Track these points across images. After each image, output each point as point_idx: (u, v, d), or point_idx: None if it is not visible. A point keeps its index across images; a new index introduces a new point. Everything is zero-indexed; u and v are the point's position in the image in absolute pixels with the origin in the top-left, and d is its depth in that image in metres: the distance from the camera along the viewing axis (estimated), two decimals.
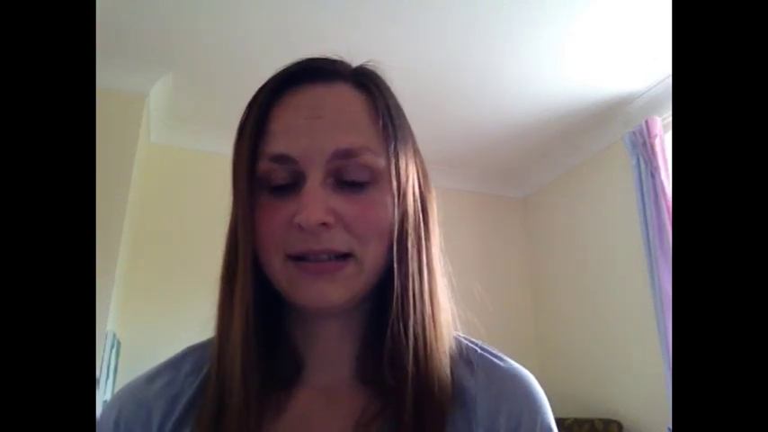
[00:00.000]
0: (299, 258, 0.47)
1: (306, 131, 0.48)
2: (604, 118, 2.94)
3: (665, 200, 2.50)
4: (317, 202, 0.46)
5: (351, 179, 0.49)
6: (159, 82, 2.53)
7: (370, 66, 0.55)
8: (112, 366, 2.27)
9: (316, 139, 0.48)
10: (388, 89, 0.55)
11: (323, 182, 0.48)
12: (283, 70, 0.52)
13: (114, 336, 2.33)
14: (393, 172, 0.50)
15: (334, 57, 0.54)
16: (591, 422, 2.70)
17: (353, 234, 0.47)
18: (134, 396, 0.51)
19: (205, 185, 2.84)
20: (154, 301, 2.69)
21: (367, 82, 0.53)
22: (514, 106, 2.83)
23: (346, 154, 0.48)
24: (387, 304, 0.49)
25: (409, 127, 0.55)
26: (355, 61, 0.55)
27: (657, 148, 2.57)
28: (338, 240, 0.47)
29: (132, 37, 2.30)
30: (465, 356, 0.52)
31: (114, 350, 2.32)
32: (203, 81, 2.62)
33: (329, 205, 0.47)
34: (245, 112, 0.52)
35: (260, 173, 0.49)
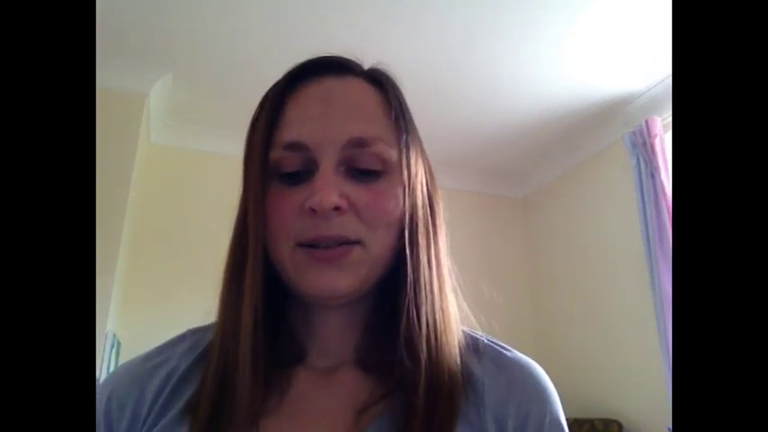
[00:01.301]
0: (307, 246, 0.48)
1: (319, 119, 0.49)
2: (604, 118, 2.94)
3: (665, 200, 2.50)
4: (331, 186, 0.47)
5: (363, 168, 0.49)
6: (159, 82, 2.53)
7: (381, 67, 0.56)
8: (112, 366, 2.27)
9: (329, 127, 0.49)
10: (399, 87, 0.56)
11: (335, 169, 0.48)
12: (296, 66, 0.53)
13: (114, 336, 2.33)
14: (404, 163, 0.51)
15: (347, 56, 0.55)
16: (591, 422, 2.70)
17: (364, 221, 0.48)
18: (129, 373, 0.51)
19: (205, 185, 2.85)
20: (154, 301, 2.69)
21: (380, 78, 0.54)
22: (514, 106, 2.83)
23: (359, 143, 0.49)
24: (390, 297, 0.50)
25: (416, 128, 0.56)
26: (363, 64, 0.56)
27: (657, 148, 2.57)
28: (348, 227, 0.47)
29: (132, 37, 2.30)
30: (472, 346, 0.52)
31: (114, 350, 2.32)
32: (203, 81, 2.62)
33: (342, 191, 0.47)
34: (258, 106, 0.53)
35: (272, 161, 0.49)
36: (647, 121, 2.62)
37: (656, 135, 2.59)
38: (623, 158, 2.81)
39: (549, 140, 3.18)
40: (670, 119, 2.62)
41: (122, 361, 2.41)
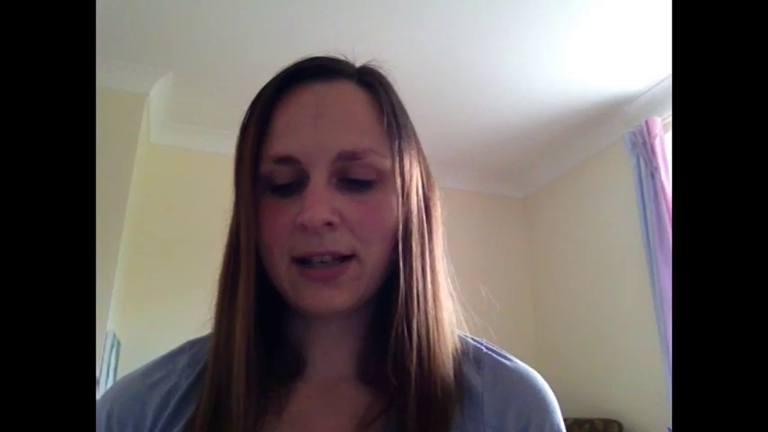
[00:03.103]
0: (302, 262, 0.47)
1: (310, 131, 0.48)
2: (604, 118, 2.94)
3: (665, 200, 2.50)
4: (321, 201, 0.46)
5: (355, 180, 0.48)
6: (159, 82, 2.53)
7: (374, 65, 0.54)
8: (112, 366, 2.27)
9: (320, 139, 0.47)
10: (391, 87, 0.54)
11: (327, 182, 0.47)
12: (286, 69, 0.52)
13: (114, 336, 2.33)
14: (397, 171, 0.49)
15: (337, 56, 0.54)
16: (591, 422, 2.70)
17: (357, 236, 0.47)
18: (128, 389, 0.50)
19: (205, 185, 2.84)
20: (154, 301, 2.69)
21: (371, 80, 0.53)
22: (515, 106, 2.83)
23: (351, 156, 0.47)
24: (388, 305, 0.49)
25: (412, 126, 0.55)
26: (356, 61, 0.55)
27: (657, 148, 2.57)
28: (341, 242, 0.46)
29: (132, 37, 2.30)
30: (470, 355, 0.52)
31: (114, 350, 2.32)
32: (203, 81, 2.62)
33: (334, 206, 0.46)
34: (247, 112, 0.52)
35: (263, 174, 0.48)
36: (647, 121, 2.63)
37: (656, 135, 2.59)
38: (623, 158, 2.81)
39: (549, 140, 3.18)
40: (670, 119, 2.63)
41: (122, 361, 2.42)
